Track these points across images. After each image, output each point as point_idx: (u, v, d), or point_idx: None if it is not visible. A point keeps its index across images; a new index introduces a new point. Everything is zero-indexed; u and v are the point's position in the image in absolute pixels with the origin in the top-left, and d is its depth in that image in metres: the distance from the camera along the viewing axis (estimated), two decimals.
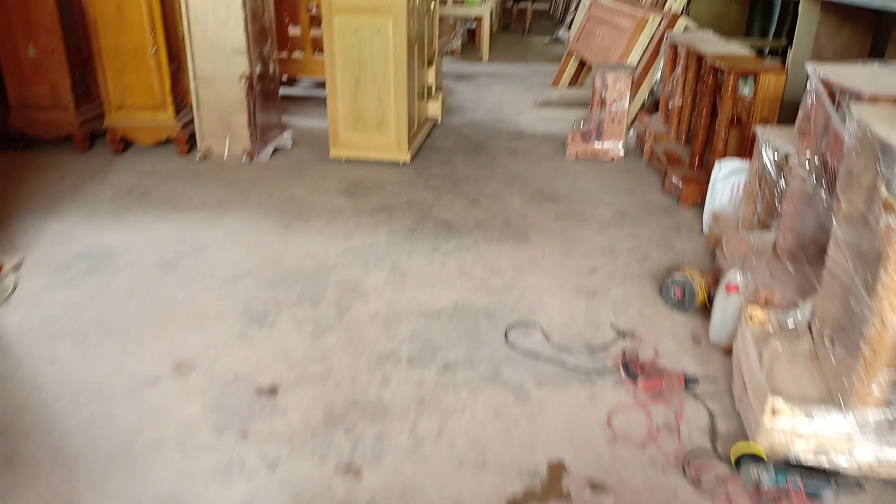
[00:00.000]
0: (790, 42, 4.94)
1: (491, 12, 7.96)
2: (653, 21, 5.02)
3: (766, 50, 5.02)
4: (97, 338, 2.46)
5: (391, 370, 2.30)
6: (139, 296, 2.75)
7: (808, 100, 2.51)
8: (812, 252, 2.65)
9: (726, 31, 5.27)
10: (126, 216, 3.51)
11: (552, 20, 11.89)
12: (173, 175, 4.09)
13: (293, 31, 5.92)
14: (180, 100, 4.40)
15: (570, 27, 9.70)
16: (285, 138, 4.69)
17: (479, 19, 8.21)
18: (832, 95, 2.45)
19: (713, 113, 3.78)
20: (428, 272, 2.97)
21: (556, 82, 6.61)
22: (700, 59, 3.94)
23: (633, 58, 5.10)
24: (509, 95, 6.35)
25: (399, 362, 2.34)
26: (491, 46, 8.45)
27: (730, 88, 3.42)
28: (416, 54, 4.37)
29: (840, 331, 1.99)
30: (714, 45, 3.96)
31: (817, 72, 2.43)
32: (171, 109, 4.29)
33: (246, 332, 2.50)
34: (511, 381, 2.25)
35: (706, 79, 3.72)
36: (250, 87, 4.17)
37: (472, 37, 9.12)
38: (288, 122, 5.18)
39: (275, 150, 4.53)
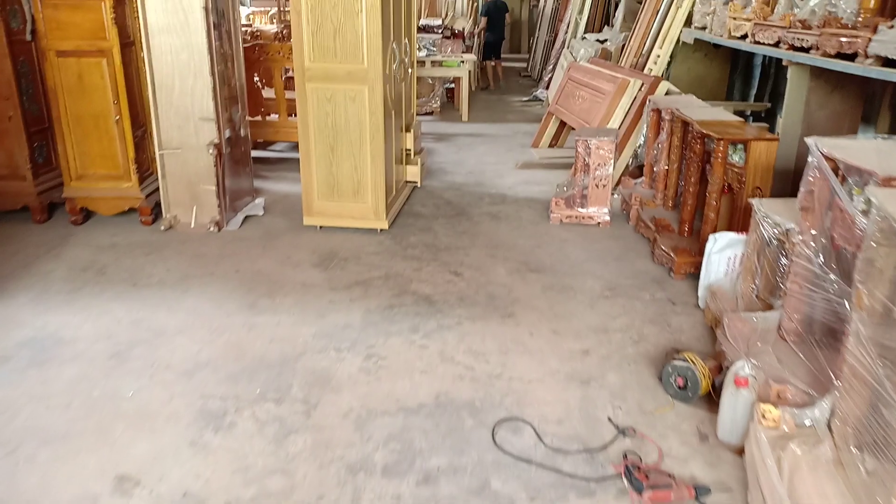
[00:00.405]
0: (774, 105, 4.90)
1: (469, 73, 7.96)
2: (634, 85, 4.96)
3: (748, 113, 4.97)
4: (31, 447, 2.16)
5: (363, 483, 2.02)
6: (84, 394, 2.46)
7: (810, 175, 2.36)
8: (821, 334, 2.46)
9: (706, 93, 5.23)
10: (79, 297, 3.23)
11: (530, 78, 12.01)
12: (134, 248, 3.83)
13: (268, 93, 5.79)
14: (145, 167, 4.19)
15: (548, 86, 9.76)
16: (257, 205, 4.47)
17: (457, 80, 8.21)
18: (835, 170, 2.31)
19: (702, 180, 3.65)
20: (407, 358, 2.72)
21: (536, 143, 6.53)
22: (686, 124, 3.84)
23: (615, 121, 5.02)
24: (490, 157, 6.24)
25: (373, 473, 2.06)
26: (470, 106, 8.43)
27: (720, 157, 3.29)
28: (393, 120, 4.23)
29: (868, 436, 1.78)
30: (699, 110, 3.87)
31: (819, 146, 2.29)
32: (134, 178, 4.07)
33: (200, 438, 2.22)
34: (501, 494, 1.98)
35: (693, 145, 3.61)
36: (219, 154, 3.98)
37: (451, 96, 9.11)
38: (261, 187, 4.99)
39: (245, 218, 4.31)
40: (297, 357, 2.71)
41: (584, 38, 8.52)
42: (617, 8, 8.76)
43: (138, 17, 3.74)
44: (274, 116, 5.66)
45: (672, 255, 3.51)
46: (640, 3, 8.17)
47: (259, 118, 5.50)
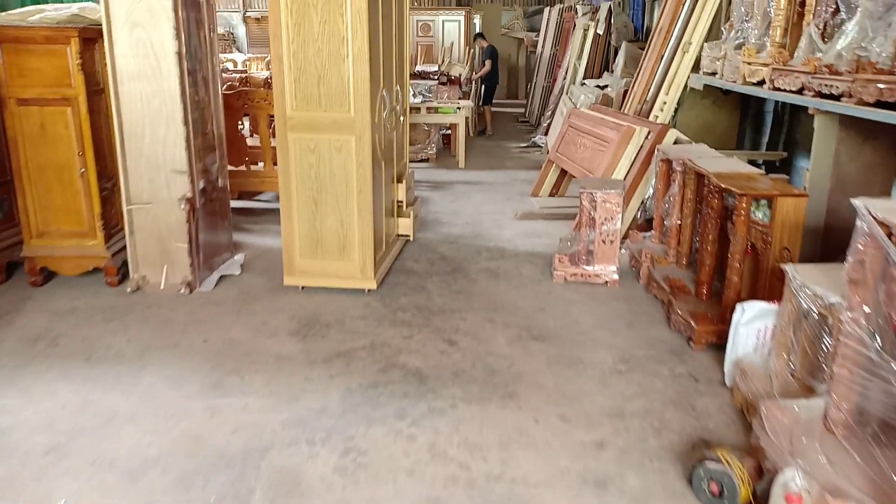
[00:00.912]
0: (790, 154, 4.62)
1: (466, 119, 7.73)
2: (640, 133, 4.69)
3: (761, 163, 4.68)
4: None
5: None
6: (7, 502, 2.07)
7: (860, 242, 2.02)
8: (878, 429, 2.09)
9: (716, 141, 4.96)
10: (24, 374, 2.85)
11: (527, 123, 11.84)
12: (96, 314, 3.47)
13: (253, 141, 5.51)
14: (114, 223, 3.85)
15: (546, 132, 9.55)
16: (235, 262, 4.13)
17: (454, 126, 7.98)
18: (889, 236, 1.98)
19: (720, 237, 3.32)
20: (391, 453, 2.33)
21: (536, 191, 6.24)
22: (701, 177, 3.53)
23: (620, 171, 4.73)
24: (488, 206, 5.94)
25: None
26: (467, 152, 8.18)
27: (742, 214, 2.96)
28: (383, 170, 3.92)
29: None
30: (714, 161, 3.57)
31: (870, 210, 1.96)
32: (100, 236, 3.74)
33: None
34: None
35: (710, 200, 3.29)
36: (192, 209, 3.65)
37: (447, 142, 8.88)
38: (243, 241, 4.65)
39: (221, 278, 3.96)
40: (263, 451, 2.32)
41: (583, 84, 8.33)
42: (617, 54, 8.61)
43: (107, 63, 3.46)
44: (260, 165, 5.37)
45: (691, 322, 3.15)
46: (643, 49, 8.02)
47: (243, 167, 5.21)
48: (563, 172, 6.10)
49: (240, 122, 5.09)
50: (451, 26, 11.25)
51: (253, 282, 3.96)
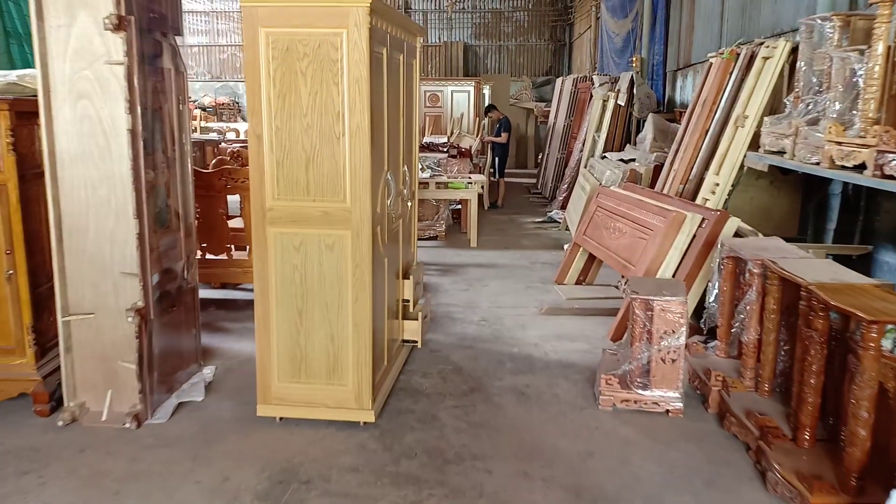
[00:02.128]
0: (875, 248, 3.87)
1: (479, 195, 7.08)
2: (692, 220, 3.97)
3: (829, 256, 3.93)
4: None
5: None
6: None
7: None
8: None
9: (774, 227, 4.24)
10: None
11: (540, 195, 11.22)
12: (9, 462, 2.66)
13: (235, 224, 4.81)
14: (50, 336, 3.09)
15: (563, 206, 8.90)
16: (200, 380, 3.34)
17: (465, 202, 7.32)
18: None
19: (827, 367, 2.53)
20: None
21: (560, 278, 5.48)
22: (786, 282, 2.77)
23: (668, 266, 3.99)
24: (507, 296, 5.17)
25: None
26: (479, 229, 7.50)
27: (872, 347, 2.18)
28: (386, 268, 3.19)
29: None
30: (803, 265, 2.81)
31: None
32: (30, 353, 2.97)
33: None
34: None
35: (812, 320, 2.51)
36: (143, 322, 2.89)
37: (457, 217, 8.21)
38: (215, 347, 3.88)
39: (180, 405, 3.16)
40: None
41: (604, 157, 7.73)
42: (640, 125, 8.05)
43: (44, 142, 2.78)
44: (244, 253, 4.66)
45: (800, 488, 2.31)
46: (671, 120, 7.45)
47: (224, 256, 4.48)
48: (591, 257, 5.36)
49: (221, 209, 4.40)
50: (460, 97, 10.82)
51: (219, 409, 3.15)
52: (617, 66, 11.08)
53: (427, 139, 9.22)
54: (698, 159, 4.88)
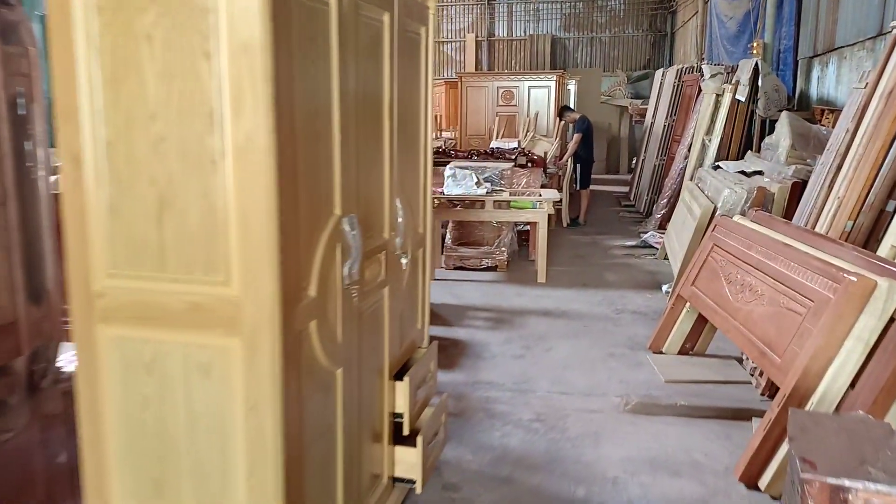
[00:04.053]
0: None
1: (549, 216, 5.56)
2: (889, 289, 2.33)
3: None
4: None
5: None
6: None
7: None
8: None
9: None
10: None
11: (632, 209, 9.48)
12: None
13: None
14: None
15: (660, 226, 7.21)
16: None
17: (533, 224, 5.82)
18: None
19: None
20: None
21: (657, 344, 3.91)
22: None
23: (844, 368, 2.37)
24: (577, 371, 3.66)
25: None
26: (552, 255, 5.99)
27: None
28: (340, 384, 1.81)
29: None
30: None
31: None
32: None
33: None
34: None
35: None
36: None
37: (525, 239, 6.71)
38: None
39: None
40: None
41: (717, 168, 6.00)
42: (765, 128, 6.25)
43: None
44: None
45: None
46: (811, 120, 5.63)
47: None
48: (703, 319, 3.75)
49: None
50: (538, 94, 9.27)
51: None
52: (730, 55, 9.18)
53: (494, 144, 7.78)
54: (878, 181, 3.17)
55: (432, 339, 2.65)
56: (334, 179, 1.69)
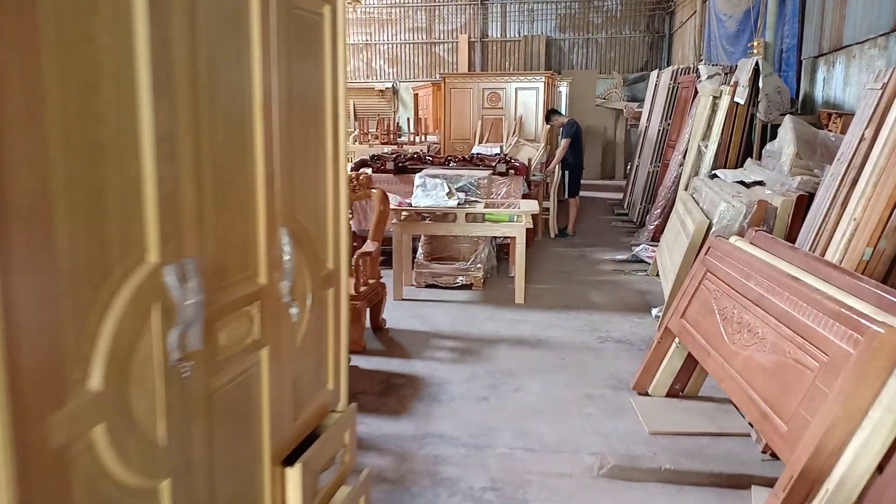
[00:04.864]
0: None
1: (529, 231, 5.04)
2: None
3: None
4: None
5: None
6: None
7: None
8: None
9: None
10: None
11: (626, 217, 8.94)
12: None
13: None
14: None
15: (653, 237, 6.69)
16: None
17: (512, 238, 5.29)
18: None
19: None
20: None
21: (642, 383, 3.39)
22: None
23: (867, 448, 1.84)
24: (547, 418, 3.13)
25: None
26: (532, 272, 5.46)
27: None
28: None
29: None
30: None
31: None
32: None
33: None
34: None
35: None
36: None
37: (506, 252, 6.18)
38: None
39: None
40: None
41: (713, 177, 5.49)
42: (768, 133, 5.73)
43: None
44: None
45: None
46: (817, 125, 5.11)
47: None
48: (694, 359, 3.22)
49: None
50: (526, 96, 8.74)
51: None
52: (729, 56, 8.67)
53: (477, 149, 7.26)
54: None
55: (352, 397, 2.13)
56: (144, 211, 1.16)
